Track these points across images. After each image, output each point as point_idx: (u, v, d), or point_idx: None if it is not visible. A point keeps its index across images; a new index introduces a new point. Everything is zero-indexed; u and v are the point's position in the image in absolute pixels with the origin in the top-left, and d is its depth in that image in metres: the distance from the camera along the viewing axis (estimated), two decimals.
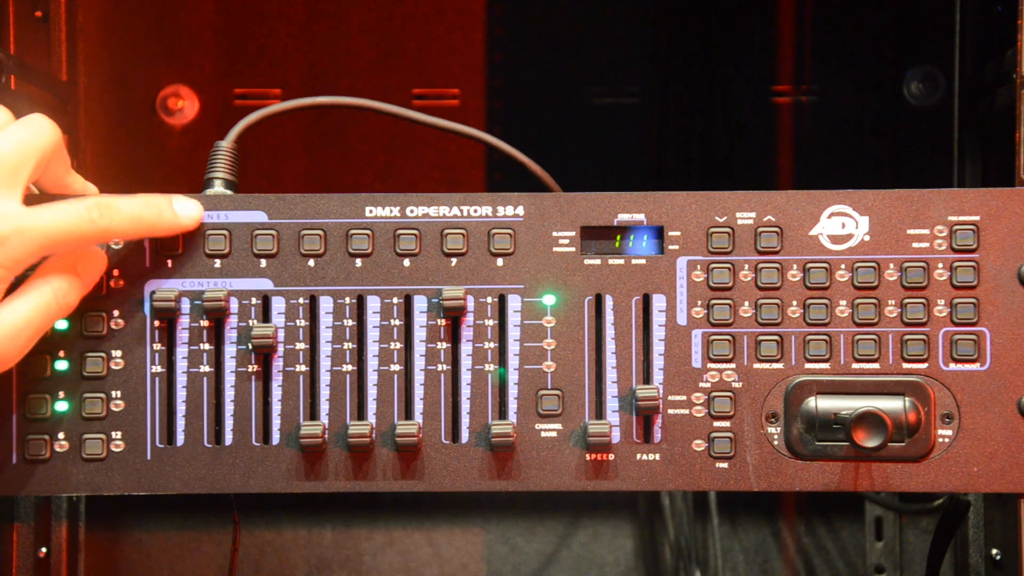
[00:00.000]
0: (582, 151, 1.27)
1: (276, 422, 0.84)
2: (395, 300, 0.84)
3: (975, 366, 0.83)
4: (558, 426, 0.84)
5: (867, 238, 0.84)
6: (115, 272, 0.84)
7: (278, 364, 0.84)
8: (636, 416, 0.84)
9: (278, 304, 0.84)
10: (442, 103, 1.25)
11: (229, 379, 0.84)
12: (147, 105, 1.26)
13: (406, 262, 0.84)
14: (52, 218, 0.76)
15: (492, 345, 0.84)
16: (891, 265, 0.83)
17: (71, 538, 1.18)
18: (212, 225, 0.84)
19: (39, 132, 0.78)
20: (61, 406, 0.83)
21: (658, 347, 0.84)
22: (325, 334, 0.84)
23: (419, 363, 0.84)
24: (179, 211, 0.82)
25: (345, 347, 0.84)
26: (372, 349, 0.84)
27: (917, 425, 0.83)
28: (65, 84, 1.18)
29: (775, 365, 0.84)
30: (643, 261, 0.84)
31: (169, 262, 0.84)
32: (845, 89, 1.26)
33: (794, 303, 0.84)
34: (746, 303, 0.84)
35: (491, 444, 0.83)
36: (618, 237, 0.84)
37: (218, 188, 0.87)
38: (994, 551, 1.03)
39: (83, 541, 1.20)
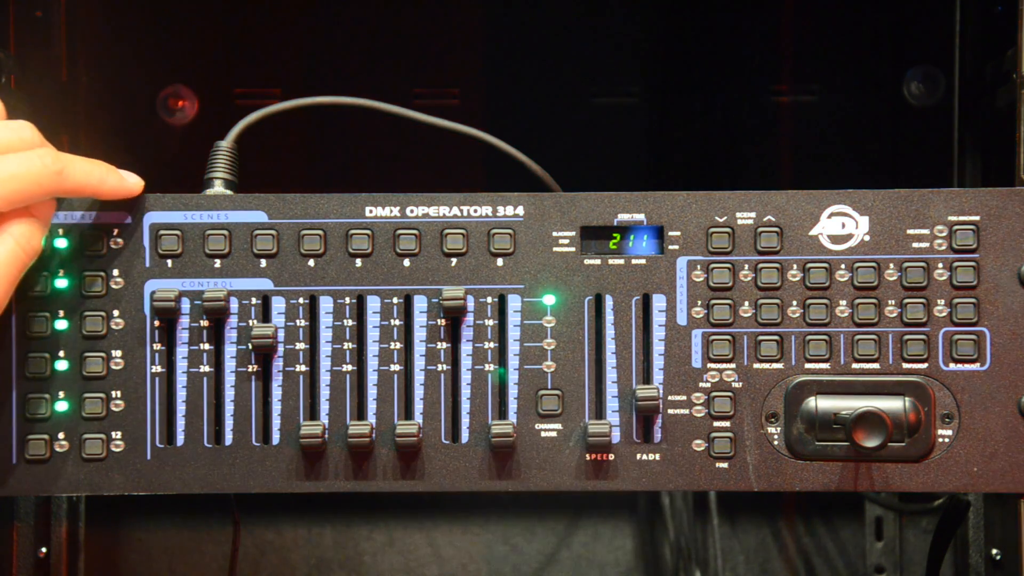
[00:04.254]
0: (582, 151, 1.27)
1: (276, 422, 0.84)
2: (395, 300, 0.84)
3: (975, 366, 0.83)
4: (558, 426, 0.84)
5: (867, 238, 0.84)
6: (115, 272, 0.84)
7: (278, 364, 0.84)
8: (636, 416, 0.84)
9: (278, 304, 0.84)
10: (442, 103, 1.25)
11: (229, 379, 0.84)
12: (147, 105, 1.26)
13: (406, 262, 0.84)
14: (6, 168, 0.76)
15: (492, 345, 0.84)
16: (891, 265, 0.83)
17: (71, 538, 1.18)
18: (212, 225, 0.84)
19: None
20: (61, 406, 0.83)
21: (658, 347, 0.84)
22: (325, 334, 0.84)
23: (419, 363, 0.84)
24: (125, 175, 0.83)
25: (345, 347, 0.84)
26: (372, 349, 0.84)
27: (917, 425, 0.83)
28: (65, 84, 1.18)
29: (775, 365, 0.84)
30: (643, 261, 0.84)
31: (169, 262, 0.84)
32: (845, 89, 1.26)
33: (794, 303, 0.84)
34: (746, 303, 0.84)
35: (491, 444, 0.83)
36: (616, 236, 0.84)
37: (218, 188, 0.87)
38: (994, 551, 1.03)
39: (83, 541, 1.20)
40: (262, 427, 0.84)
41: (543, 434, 0.84)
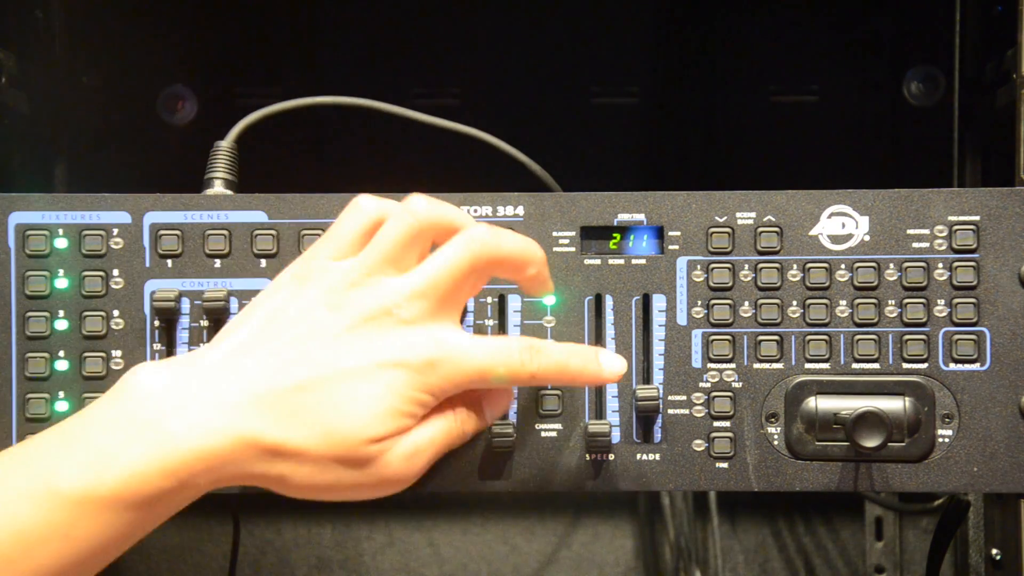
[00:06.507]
0: (582, 151, 1.26)
1: None
2: None
3: (975, 366, 0.83)
4: (558, 426, 0.84)
5: (867, 238, 0.84)
6: (115, 272, 0.84)
7: None
8: (636, 416, 0.84)
9: None
10: (442, 103, 1.25)
11: None
12: (147, 105, 1.26)
13: None
14: (487, 354, 0.74)
15: None
16: (891, 265, 0.83)
17: None
18: (212, 225, 0.84)
19: (481, 249, 0.75)
20: (61, 406, 0.83)
21: (658, 347, 0.84)
22: None
23: None
24: (604, 363, 0.78)
25: None
26: None
27: (917, 425, 0.83)
28: (65, 84, 1.18)
29: (775, 365, 0.84)
30: (643, 261, 0.84)
31: (169, 262, 0.84)
32: (845, 89, 1.26)
33: (794, 303, 0.84)
34: (746, 303, 0.84)
35: (491, 444, 0.83)
36: (616, 236, 0.84)
37: (218, 188, 0.87)
38: (994, 551, 1.03)
39: None
40: None
41: (543, 434, 0.84)
